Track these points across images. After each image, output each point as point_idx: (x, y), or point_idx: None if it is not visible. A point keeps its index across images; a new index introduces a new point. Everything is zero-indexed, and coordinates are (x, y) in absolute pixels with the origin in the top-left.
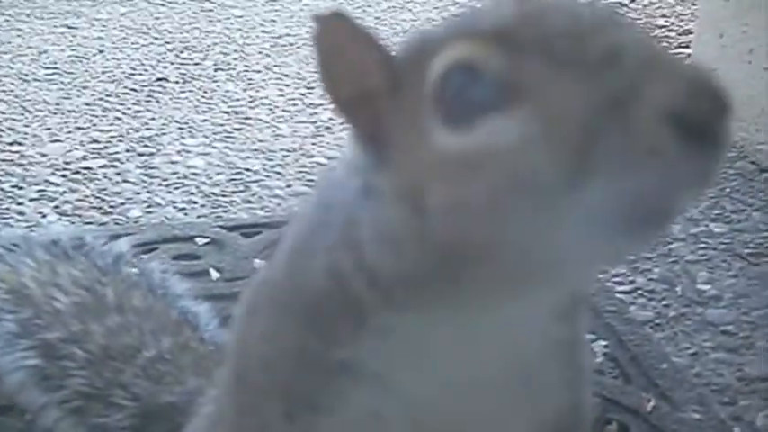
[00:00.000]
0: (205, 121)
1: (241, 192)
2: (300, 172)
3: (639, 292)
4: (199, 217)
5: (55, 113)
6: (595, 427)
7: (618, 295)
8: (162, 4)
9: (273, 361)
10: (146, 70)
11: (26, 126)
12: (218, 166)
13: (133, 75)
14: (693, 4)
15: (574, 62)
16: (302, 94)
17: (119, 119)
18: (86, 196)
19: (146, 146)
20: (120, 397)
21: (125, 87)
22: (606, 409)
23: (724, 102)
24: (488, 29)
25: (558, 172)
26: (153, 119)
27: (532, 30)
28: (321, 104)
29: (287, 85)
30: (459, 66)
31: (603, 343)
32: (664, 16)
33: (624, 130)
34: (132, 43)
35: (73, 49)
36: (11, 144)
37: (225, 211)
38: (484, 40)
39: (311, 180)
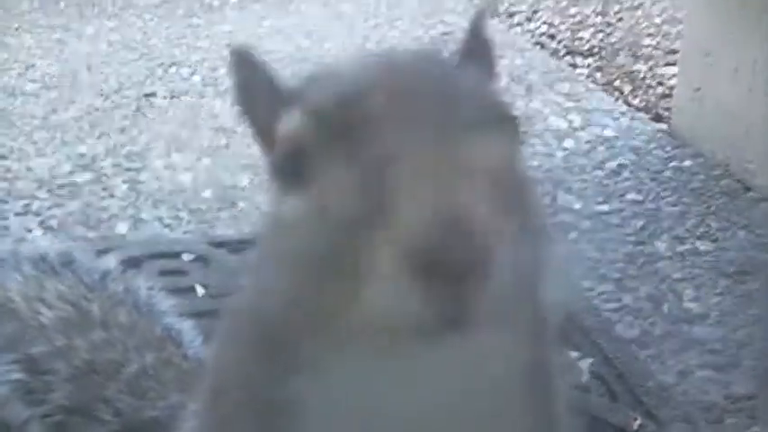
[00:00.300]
0: (192, 136)
1: (228, 208)
2: None
3: (626, 310)
4: (185, 233)
5: (42, 128)
6: None
7: (604, 313)
8: (150, 20)
9: (241, 380)
10: (133, 85)
11: (12, 140)
12: (205, 181)
13: (121, 89)
14: (679, 24)
15: (347, 156)
16: None
17: (106, 134)
18: (72, 211)
19: (132, 161)
20: (102, 412)
21: (112, 102)
22: (592, 428)
23: (471, 249)
24: (311, 105)
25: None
26: (140, 134)
27: (334, 113)
28: None
29: None
30: (285, 138)
31: (590, 361)
32: (650, 35)
33: (369, 243)
34: (120, 58)
35: (61, 64)
36: None
37: (211, 227)
38: (304, 116)
39: None
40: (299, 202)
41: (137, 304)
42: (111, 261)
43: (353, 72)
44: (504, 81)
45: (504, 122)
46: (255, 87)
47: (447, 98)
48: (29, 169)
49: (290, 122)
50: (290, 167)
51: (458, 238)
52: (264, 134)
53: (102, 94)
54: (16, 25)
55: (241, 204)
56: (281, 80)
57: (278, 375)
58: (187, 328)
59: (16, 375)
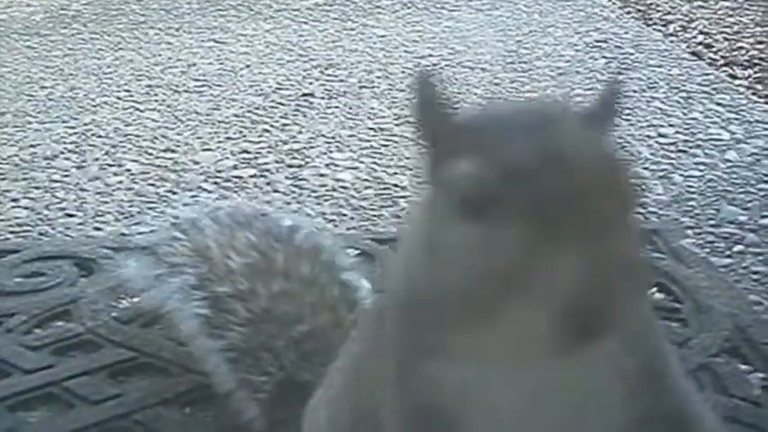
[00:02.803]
0: (352, 136)
1: (389, 206)
2: None
3: None
4: (348, 229)
5: (206, 123)
6: None
7: None
8: (305, 22)
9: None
10: (292, 85)
11: (178, 134)
12: (366, 180)
13: (280, 89)
14: None
15: (523, 213)
16: None
17: (267, 131)
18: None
19: (294, 158)
20: (268, 362)
21: (272, 101)
22: None
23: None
24: (498, 157)
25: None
26: (300, 132)
27: (522, 183)
28: None
29: None
30: (469, 177)
31: (761, 375)
32: None
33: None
34: (278, 59)
35: (221, 63)
36: (164, 151)
37: (374, 225)
38: (490, 166)
39: None
40: (470, 231)
41: (320, 259)
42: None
43: (525, 129)
44: (661, 90)
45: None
46: (436, 110)
47: (604, 183)
48: (195, 162)
49: (475, 168)
50: (472, 203)
51: (594, 309)
52: (434, 159)
53: (261, 93)
54: (177, 26)
55: (402, 203)
56: (457, 108)
57: (418, 354)
58: (364, 287)
59: (204, 311)
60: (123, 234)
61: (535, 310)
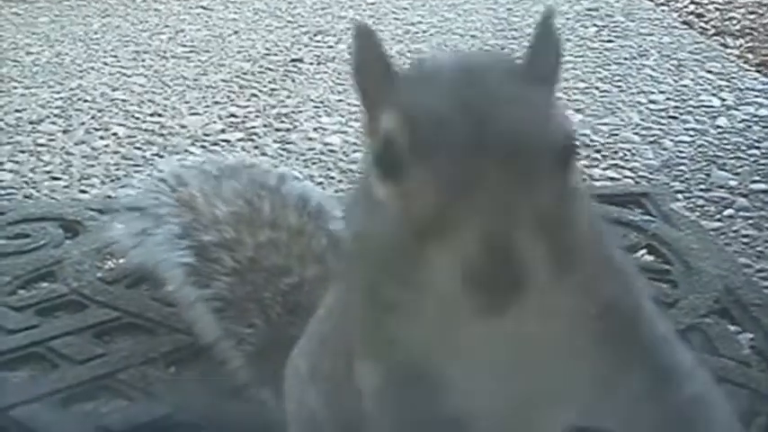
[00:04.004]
0: (340, 101)
1: None
2: None
3: None
4: (336, 191)
5: (193, 88)
6: (743, 419)
7: (764, 290)
8: None
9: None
10: (280, 51)
11: (165, 99)
12: (355, 144)
13: (268, 55)
14: None
15: (431, 168)
16: None
17: (255, 96)
18: None
19: (282, 122)
20: (254, 314)
21: (260, 66)
22: (753, 402)
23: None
24: (408, 111)
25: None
26: (289, 97)
27: (430, 120)
28: None
29: None
30: (384, 134)
31: (750, 336)
32: None
33: (433, 248)
34: (266, 25)
35: (209, 29)
36: (151, 115)
37: None
38: (401, 121)
39: None
40: (390, 193)
41: (307, 208)
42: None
43: (447, 83)
44: (652, 58)
45: (567, 153)
46: (371, 67)
47: (523, 134)
48: (182, 126)
49: (389, 122)
50: (387, 159)
51: (504, 267)
52: (370, 115)
53: (249, 59)
54: None
55: None
56: (396, 65)
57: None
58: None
59: (188, 260)
60: (109, 197)
61: (449, 266)
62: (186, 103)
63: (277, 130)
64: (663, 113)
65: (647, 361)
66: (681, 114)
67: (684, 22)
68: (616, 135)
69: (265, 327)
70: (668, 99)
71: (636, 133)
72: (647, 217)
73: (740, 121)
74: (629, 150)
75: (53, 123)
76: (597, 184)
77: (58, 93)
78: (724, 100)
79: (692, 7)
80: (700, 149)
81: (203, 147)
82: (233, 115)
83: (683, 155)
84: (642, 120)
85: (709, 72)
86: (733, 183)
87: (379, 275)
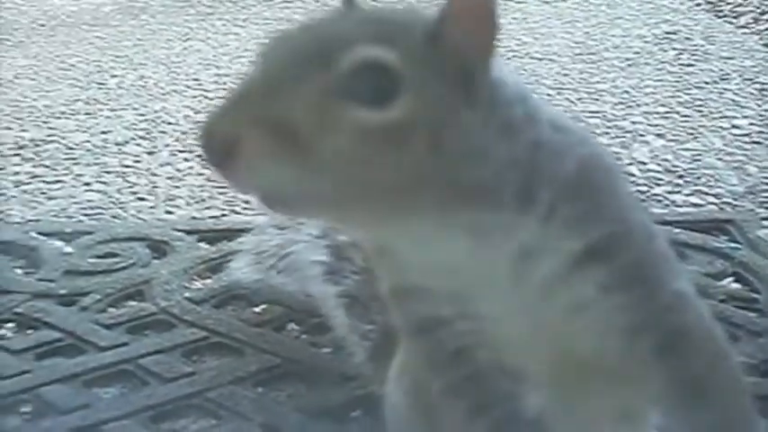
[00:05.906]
0: None
1: None
2: None
3: None
4: None
5: None
6: None
7: None
8: None
9: None
10: None
11: None
12: None
13: None
14: None
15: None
16: None
17: None
18: None
19: None
20: (375, 311)
21: None
22: None
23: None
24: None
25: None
26: None
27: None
28: None
29: None
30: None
31: None
32: None
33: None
34: None
35: None
36: None
37: None
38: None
39: None
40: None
41: None
42: None
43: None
44: (734, 82)
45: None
46: None
47: (299, 52)
48: None
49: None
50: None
51: (209, 150)
52: None
53: None
54: (244, 17)
55: None
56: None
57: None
58: None
59: (326, 258)
60: (194, 218)
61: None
62: None
63: None
64: (746, 138)
65: (666, 326)
66: (765, 140)
67: (766, 45)
68: (698, 160)
69: (384, 324)
70: (752, 124)
71: (719, 158)
72: (733, 244)
73: None
74: (712, 176)
75: (138, 145)
76: (680, 210)
77: (143, 115)
78: None
79: None
80: None
81: None
82: None
83: None
84: (725, 145)
85: None
86: None
87: None
